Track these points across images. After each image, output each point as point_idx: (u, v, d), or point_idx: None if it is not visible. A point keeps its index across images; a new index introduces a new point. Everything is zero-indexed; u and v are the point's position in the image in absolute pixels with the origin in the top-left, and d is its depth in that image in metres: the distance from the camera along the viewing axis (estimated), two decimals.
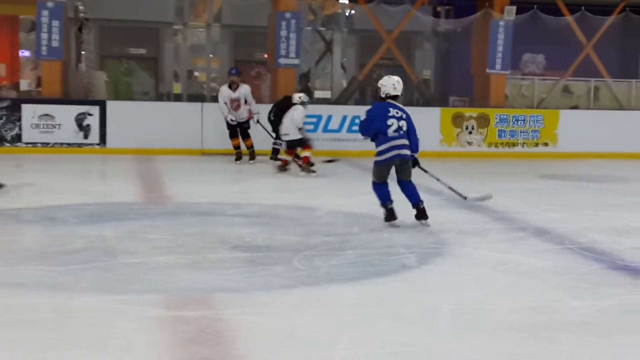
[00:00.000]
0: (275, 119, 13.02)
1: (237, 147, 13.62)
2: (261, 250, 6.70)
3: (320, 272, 6.01)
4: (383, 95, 7.97)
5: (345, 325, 4.66)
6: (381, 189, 7.90)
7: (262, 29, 17.53)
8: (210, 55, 21.53)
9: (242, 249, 6.72)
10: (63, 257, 6.30)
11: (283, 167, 12.32)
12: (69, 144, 14.41)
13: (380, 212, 7.90)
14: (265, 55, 18.50)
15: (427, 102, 18.66)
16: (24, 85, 19.86)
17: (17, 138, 14.23)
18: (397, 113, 7.88)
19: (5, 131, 14.21)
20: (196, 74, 22.88)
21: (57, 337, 4.33)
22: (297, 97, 12.45)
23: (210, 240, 7.04)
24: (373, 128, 7.89)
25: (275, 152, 13.30)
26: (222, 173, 12.67)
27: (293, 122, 12.03)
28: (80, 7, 19.59)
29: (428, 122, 15.23)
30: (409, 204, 7.91)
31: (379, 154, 7.90)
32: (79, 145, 14.46)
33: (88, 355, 4.06)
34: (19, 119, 14.25)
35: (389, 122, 7.82)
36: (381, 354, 4.18)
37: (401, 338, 4.45)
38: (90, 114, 14.51)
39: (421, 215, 7.90)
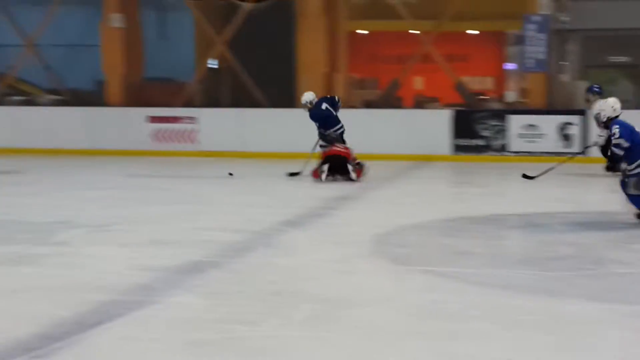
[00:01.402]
0: None
1: None
2: None
3: None
4: (604, 120, 7.91)
5: None
6: None
7: None
8: None
9: None
10: (552, 262, 6.44)
11: None
12: (551, 153, 14.57)
13: None
14: None
15: None
16: (509, 96, 20.55)
17: (504, 147, 14.86)
18: None
19: (493, 140, 14.91)
20: None
21: (551, 341, 4.45)
22: None
23: None
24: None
25: None
26: None
27: None
28: (564, 19, 19.66)
29: None
30: None
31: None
32: (560, 154, 14.55)
33: None
34: (506, 129, 14.86)
35: None
36: None
37: None
38: (572, 124, 14.56)
39: None
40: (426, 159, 14.74)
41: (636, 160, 7.88)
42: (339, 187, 11.28)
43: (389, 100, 17.93)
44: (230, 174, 12.48)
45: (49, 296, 5.40)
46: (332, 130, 12.06)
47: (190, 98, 17.79)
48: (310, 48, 16.86)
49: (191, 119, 16.14)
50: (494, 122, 15.01)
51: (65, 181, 12.15)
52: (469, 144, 15.16)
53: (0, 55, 19.34)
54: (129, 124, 16.56)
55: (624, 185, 8.03)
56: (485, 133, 15.16)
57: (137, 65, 17.96)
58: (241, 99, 17.36)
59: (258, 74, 17.60)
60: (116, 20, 17.36)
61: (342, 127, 12.14)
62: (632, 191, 7.95)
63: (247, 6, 17.26)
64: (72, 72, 18.64)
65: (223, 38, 17.64)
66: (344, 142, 11.95)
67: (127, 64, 17.49)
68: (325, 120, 12.08)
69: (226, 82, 19.07)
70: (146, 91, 17.78)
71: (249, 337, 4.55)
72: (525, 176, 10.65)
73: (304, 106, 12.20)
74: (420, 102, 18.20)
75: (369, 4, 16.97)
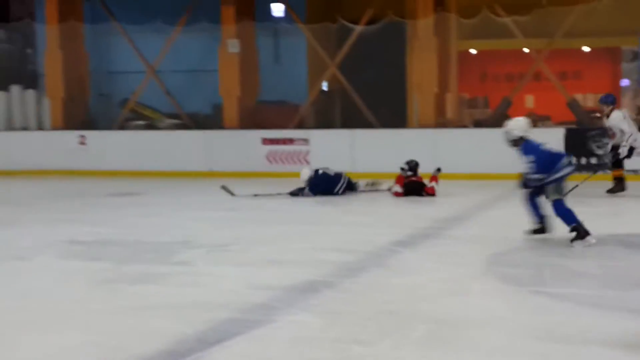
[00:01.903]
0: None
1: None
2: None
3: None
4: (514, 139, 8.33)
5: None
6: None
7: None
8: None
9: None
10: None
11: None
12: None
13: None
14: None
15: None
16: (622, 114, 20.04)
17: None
18: None
19: (606, 159, 14.53)
20: None
21: None
22: None
23: None
24: None
25: None
26: None
27: None
28: None
29: None
30: None
31: None
32: None
33: None
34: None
35: None
36: None
37: None
38: None
39: None
40: None
41: (549, 171, 8.01)
42: (446, 208, 11.31)
43: (500, 119, 17.78)
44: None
45: (172, 314, 5.65)
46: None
47: (303, 120, 18.13)
48: (422, 68, 16.92)
49: (304, 140, 16.44)
50: (607, 140, 14.64)
51: (184, 202, 12.59)
52: (582, 162, 14.85)
53: (124, 81, 20.21)
54: (245, 146, 17.02)
55: (542, 192, 8.18)
56: (599, 151, 14.81)
57: (252, 88, 18.45)
58: (352, 120, 17.57)
59: (369, 95, 17.78)
60: (233, 45, 17.90)
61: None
62: (553, 196, 8.05)
63: (359, 29, 17.48)
64: (191, 96, 19.31)
65: (335, 61, 17.92)
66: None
67: (243, 88, 17.99)
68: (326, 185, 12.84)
69: (337, 103, 19.35)
70: (261, 114, 18.24)
71: (365, 356, 4.66)
72: None
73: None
74: (532, 121, 17.95)
75: (479, 24, 16.91)
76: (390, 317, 5.49)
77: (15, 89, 19.37)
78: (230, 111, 18.00)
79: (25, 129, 19.17)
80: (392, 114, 17.44)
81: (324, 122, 18.74)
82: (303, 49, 19.21)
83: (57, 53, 18.88)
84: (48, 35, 19.06)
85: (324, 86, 19.05)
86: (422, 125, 16.57)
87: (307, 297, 6.08)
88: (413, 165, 12.66)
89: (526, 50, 18.45)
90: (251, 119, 18.08)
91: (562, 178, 8.11)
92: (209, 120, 19.10)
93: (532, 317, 5.48)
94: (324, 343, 4.92)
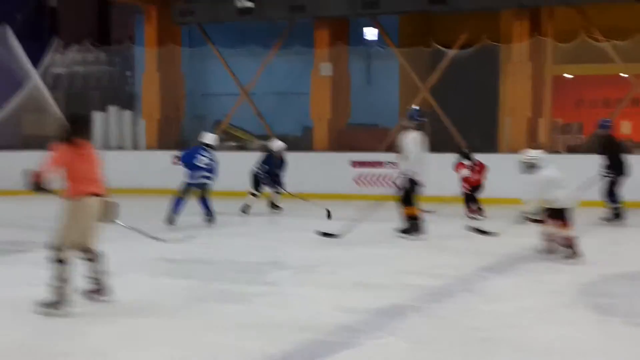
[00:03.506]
0: None
1: None
2: None
3: None
4: None
5: None
6: None
7: None
8: None
9: None
10: None
11: None
12: None
13: None
14: None
15: None
16: None
17: None
18: None
19: None
20: None
21: None
22: None
23: None
24: None
25: None
26: None
27: None
28: None
29: None
30: None
31: None
32: None
33: None
34: None
35: None
36: None
37: None
38: None
39: None
40: (636, 206, 14.09)
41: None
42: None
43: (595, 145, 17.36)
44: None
45: (259, 333, 5.70)
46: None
47: (393, 143, 18.07)
48: (515, 92, 16.70)
49: (393, 163, 16.38)
50: None
51: (272, 223, 12.69)
52: None
53: (217, 103, 20.59)
54: (334, 168, 17.07)
55: None
56: None
57: (343, 111, 18.53)
58: (442, 144, 17.44)
59: (460, 118, 17.62)
60: (326, 69, 18.04)
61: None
62: None
63: (452, 52, 17.38)
64: (282, 118, 19.52)
65: (427, 84, 17.84)
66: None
67: (334, 111, 18.08)
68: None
69: (428, 127, 19.24)
70: (351, 136, 18.28)
71: None
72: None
73: None
74: (629, 147, 17.46)
75: (576, 48, 16.59)
76: (478, 343, 5.40)
77: (112, 110, 19.97)
78: (321, 133, 18.10)
79: (121, 148, 19.71)
80: (482, 138, 17.23)
81: None
82: (395, 73, 19.19)
83: (154, 75, 19.40)
84: (147, 58, 19.60)
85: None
86: (513, 150, 16.32)
87: (394, 321, 6.05)
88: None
89: (624, 75, 18.00)
90: (341, 142, 18.14)
91: None
92: (299, 141, 19.25)
93: (626, 349, 5.31)
94: None
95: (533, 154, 9.15)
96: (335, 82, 18.14)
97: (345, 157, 17.04)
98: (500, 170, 14.21)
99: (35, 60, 19.34)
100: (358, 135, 18.24)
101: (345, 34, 18.84)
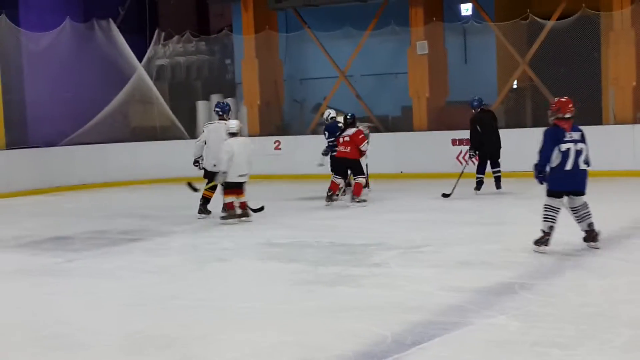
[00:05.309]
0: None
1: None
2: None
3: None
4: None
5: None
6: None
7: None
8: None
9: None
10: None
11: None
12: None
13: None
14: None
15: None
16: None
17: None
18: None
19: None
20: None
21: None
22: None
23: None
24: None
25: None
26: None
27: None
28: None
29: None
30: None
31: None
32: None
33: None
34: None
35: None
36: None
37: None
38: None
39: None
40: None
41: None
42: None
43: None
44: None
45: (368, 315, 5.80)
46: None
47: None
48: (618, 62, 16.22)
49: None
50: None
51: (377, 204, 12.77)
52: None
53: (316, 87, 20.74)
54: (434, 147, 17.01)
55: None
56: None
57: (441, 89, 18.41)
58: (543, 118, 17.11)
59: (561, 91, 17.21)
60: (422, 47, 17.94)
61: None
62: None
63: (551, 24, 17.03)
64: (380, 99, 19.53)
65: (526, 58, 17.54)
66: None
67: (432, 89, 17.98)
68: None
69: (528, 102, 18.91)
70: (449, 114, 18.15)
71: None
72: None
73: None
74: None
75: None
76: (590, 320, 5.37)
77: (215, 98, 20.39)
78: (419, 113, 18.04)
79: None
80: (586, 109, 16.82)
81: (515, 121, 18.38)
82: (492, 48, 18.91)
83: (253, 62, 19.69)
84: (245, 46, 19.89)
85: (514, 84, 18.69)
86: (619, 121, 15.89)
87: (503, 300, 6.06)
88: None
89: None
90: (440, 120, 18.04)
91: None
92: (398, 122, 19.23)
93: None
94: (521, 346, 4.90)
95: None
96: (432, 60, 18.02)
97: (446, 136, 16.95)
98: (607, 143, 13.90)
99: (139, 53, 19.91)
100: (457, 113, 18.08)
101: (440, 10, 18.66)
